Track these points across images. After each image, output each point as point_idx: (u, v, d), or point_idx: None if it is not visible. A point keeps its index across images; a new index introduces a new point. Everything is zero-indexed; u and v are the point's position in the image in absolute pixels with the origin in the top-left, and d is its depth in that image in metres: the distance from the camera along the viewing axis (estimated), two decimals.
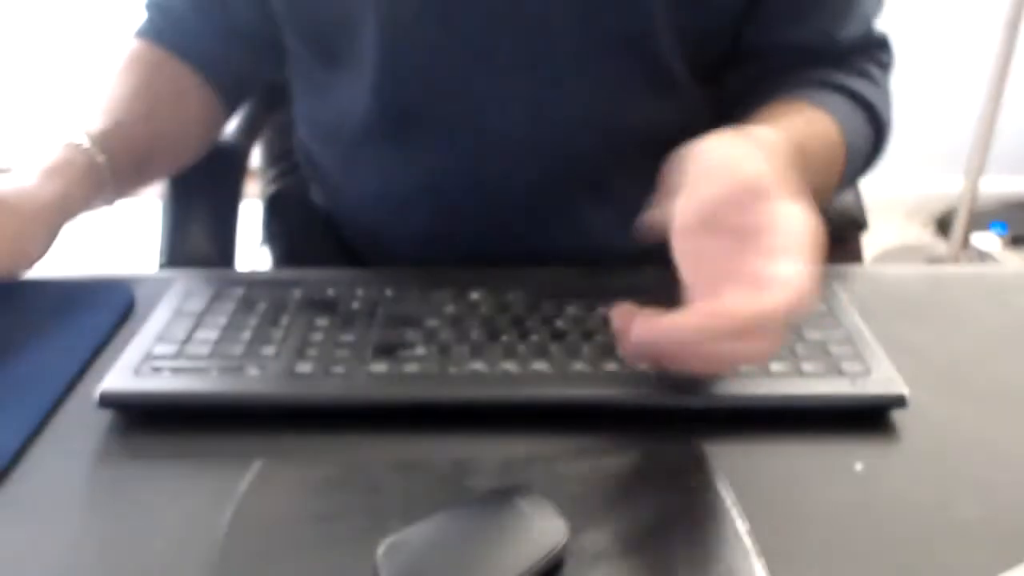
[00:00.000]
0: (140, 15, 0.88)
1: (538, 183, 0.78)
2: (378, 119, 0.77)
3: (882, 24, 0.79)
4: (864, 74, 0.76)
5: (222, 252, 0.93)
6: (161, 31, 0.85)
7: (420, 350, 0.59)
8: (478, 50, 0.73)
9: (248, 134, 1.00)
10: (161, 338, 0.60)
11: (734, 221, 0.50)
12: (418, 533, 0.44)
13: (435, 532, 0.44)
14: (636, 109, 0.77)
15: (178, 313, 0.63)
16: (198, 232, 0.94)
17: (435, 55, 0.74)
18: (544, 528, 0.44)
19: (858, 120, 0.73)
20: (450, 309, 0.63)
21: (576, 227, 0.79)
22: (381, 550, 0.43)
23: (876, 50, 0.79)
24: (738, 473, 0.50)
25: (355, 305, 0.64)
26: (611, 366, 0.57)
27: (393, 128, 0.75)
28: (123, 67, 0.82)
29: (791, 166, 0.55)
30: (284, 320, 0.62)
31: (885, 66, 0.79)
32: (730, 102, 0.78)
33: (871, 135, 0.75)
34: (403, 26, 0.73)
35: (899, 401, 0.55)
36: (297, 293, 0.66)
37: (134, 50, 0.84)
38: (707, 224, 0.51)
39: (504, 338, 0.60)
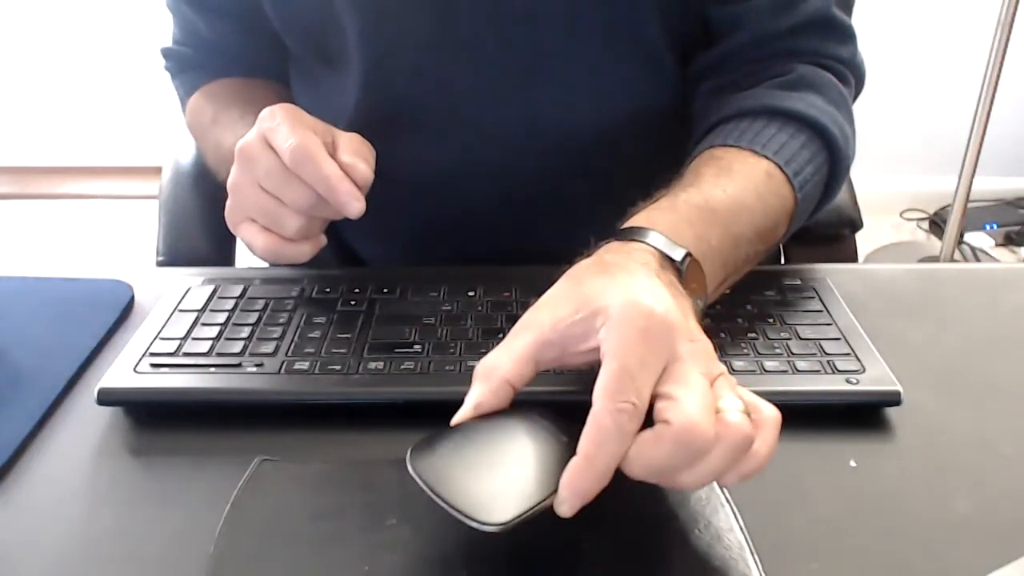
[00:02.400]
0: (170, 72, 0.88)
1: (532, 176, 0.79)
2: (368, 115, 0.77)
3: (872, 23, 0.76)
4: (802, 84, 0.71)
5: (220, 250, 0.93)
6: (204, 65, 0.86)
7: (417, 348, 0.59)
8: (466, 44, 0.73)
9: None
10: (160, 336, 0.61)
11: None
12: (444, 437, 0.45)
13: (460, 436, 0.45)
14: (628, 97, 0.77)
15: (177, 311, 0.64)
16: (196, 230, 0.94)
17: (422, 50, 0.74)
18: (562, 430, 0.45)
19: (806, 155, 0.67)
20: (447, 307, 0.64)
21: (573, 220, 0.79)
22: (409, 454, 0.44)
23: (832, 41, 0.74)
24: None
25: (352, 303, 0.65)
26: None
27: (383, 124, 0.75)
28: (215, 106, 0.82)
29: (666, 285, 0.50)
30: (282, 318, 0.63)
31: (844, 61, 0.74)
32: (694, 82, 0.77)
33: (823, 164, 0.69)
34: (388, 22, 0.73)
35: (893, 398, 0.55)
36: (295, 291, 0.66)
37: (210, 90, 0.85)
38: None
39: (501, 335, 0.60)
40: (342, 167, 0.61)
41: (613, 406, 0.42)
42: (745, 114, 0.69)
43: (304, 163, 0.59)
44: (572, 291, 0.48)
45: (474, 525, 0.40)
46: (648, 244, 0.53)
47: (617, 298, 0.45)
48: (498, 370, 0.46)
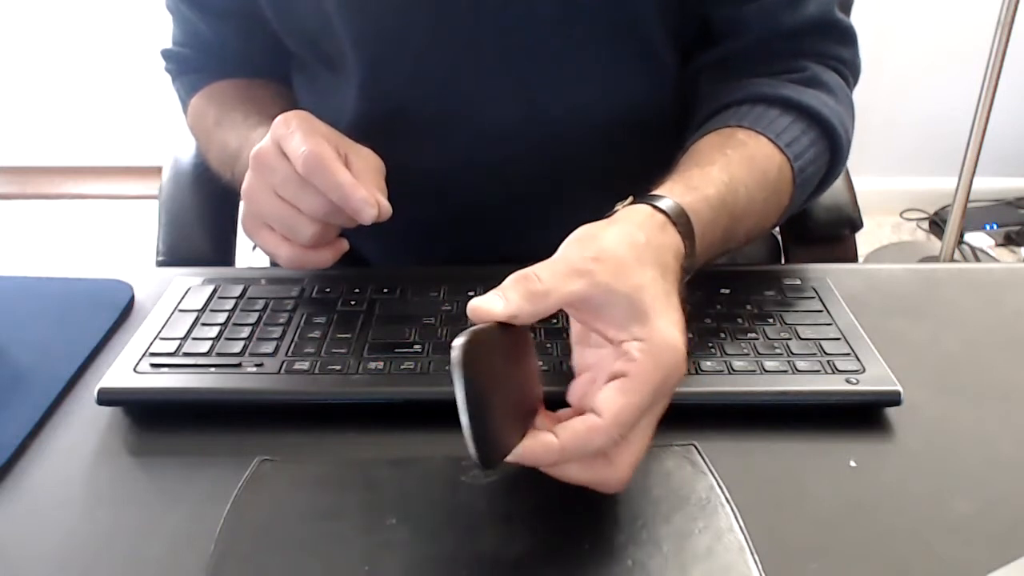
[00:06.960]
0: (173, 76, 0.88)
1: (533, 176, 0.79)
2: (367, 116, 0.77)
3: (873, 23, 0.77)
4: (816, 83, 0.72)
5: (220, 250, 0.93)
6: (204, 66, 0.87)
7: (417, 348, 0.59)
8: (465, 45, 0.73)
9: None
10: (160, 336, 0.61)
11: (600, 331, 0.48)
12: None
13: None
14: (629, 96, 0.77)
15: (177, 311, 0.64)
16: (196, 230, 0.94)
17: (420, 52, 0.74)
18: None
19: (812, 153, 0.69)
20: (447, 307, 0.64)
21: (573, 219, 0.79)
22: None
23: (834, 42, 0.75)
24: (733, 469, 0.50)
25: (352, 303, 0.65)
26: None
27: (383, 125, 0.75)
28: (217, 108, 0.82)
29: (672, 260, 0.52)
30: (282, 318, 0.63)
31: (845, 62, 0.75)
32: (694, 79, 0.78)
33: (824, 152, 0.71)
34: (383, 26, 0.73)
35: (893, 398, 0.55)
36: (295, 291, 0.66)
37: (211, 92, 0.85)
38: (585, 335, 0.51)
39: None
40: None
41: (616, 431, 0.44)
42: (759, 100, 0.70)
43: (316, 171, 0.59)
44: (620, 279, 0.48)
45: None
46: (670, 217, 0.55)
47: (665, 327, 0.46)
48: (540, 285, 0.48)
